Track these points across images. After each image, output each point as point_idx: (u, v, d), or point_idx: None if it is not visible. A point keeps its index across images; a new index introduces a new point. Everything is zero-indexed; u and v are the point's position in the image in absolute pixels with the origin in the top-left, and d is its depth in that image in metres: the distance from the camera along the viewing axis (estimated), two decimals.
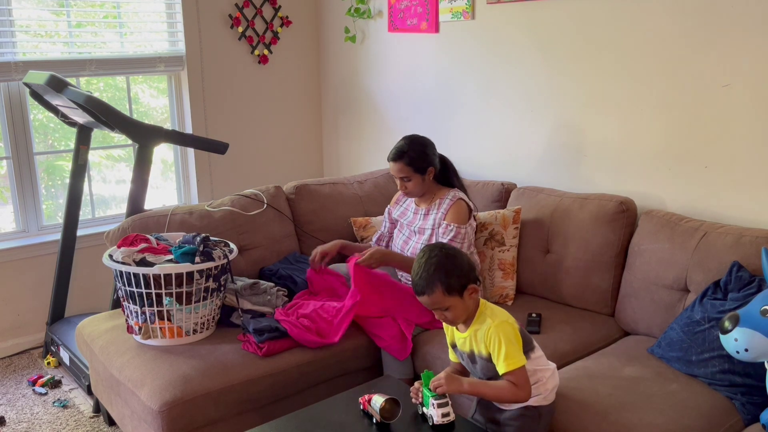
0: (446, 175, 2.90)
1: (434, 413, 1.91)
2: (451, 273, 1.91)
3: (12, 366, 3.48)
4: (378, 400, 1.96)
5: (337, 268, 2.95)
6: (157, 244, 2.63)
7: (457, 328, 2.02)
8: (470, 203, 2.84)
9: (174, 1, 3.89)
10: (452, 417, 1.92)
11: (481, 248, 2.96)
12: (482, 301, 1.99)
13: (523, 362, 1.89)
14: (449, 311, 1.93)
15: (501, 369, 1.89)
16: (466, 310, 1.94)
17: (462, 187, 2.90)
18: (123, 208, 3.58)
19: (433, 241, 2.81)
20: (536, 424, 2.00)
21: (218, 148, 3.21)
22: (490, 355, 1.92)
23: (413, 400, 1.99)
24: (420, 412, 1.98)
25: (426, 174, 2.81)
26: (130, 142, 3.77)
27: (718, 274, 2.36)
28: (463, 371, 2.10)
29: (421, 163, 2.79)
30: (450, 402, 1.93)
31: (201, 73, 4.00)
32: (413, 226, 2.90)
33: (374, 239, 3.10)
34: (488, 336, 1.90)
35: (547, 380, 2.01)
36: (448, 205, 2.78)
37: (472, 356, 1.99)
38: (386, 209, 3.09)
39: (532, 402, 1.96)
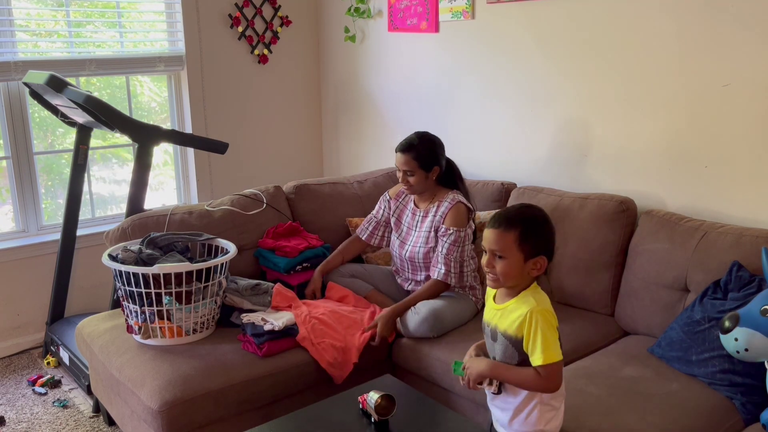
0: (451, 178, 2.89)
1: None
2: (536, 230, 1.74)
3: (12, 366, 3.48)
4: (373, 397, 1.97)
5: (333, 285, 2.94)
6: None
7: (494, 299, 1.84)
8: (470, 205, 2.83)
9: (174, 1, 3.88)
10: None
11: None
12: (536, 285, 1.79)
13: (560, 357, 1.69)
14: (504, 262, 1.72)
15: (536, 360, 1.69)
16: (519, 276, 1.74)
17: (465, 191, 2.88)
18: (123, 208, 3.58)
19: (430, 243, 2.81)
20: None
21: (218, 147, 3.21)
22: (518, 338, 1.72)
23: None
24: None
25: (430, 172, 2.80)
26: (130, 141, 3.77)
27: (718, 274, 2.36)
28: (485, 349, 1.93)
29: (428, 160, 2.79)
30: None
31: (201, 72, 3.99)
32: (411, 228, 2.90)
33: (365, 222, 3.08)
34: (528, 318, 1.70)
35: (549, 421, 1.79)
36: (447, 208, 2.77)
37: (494, 333, 1.80)
38: (385, 197, 3.03)
39: None
